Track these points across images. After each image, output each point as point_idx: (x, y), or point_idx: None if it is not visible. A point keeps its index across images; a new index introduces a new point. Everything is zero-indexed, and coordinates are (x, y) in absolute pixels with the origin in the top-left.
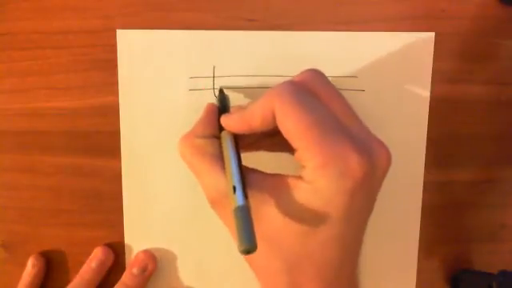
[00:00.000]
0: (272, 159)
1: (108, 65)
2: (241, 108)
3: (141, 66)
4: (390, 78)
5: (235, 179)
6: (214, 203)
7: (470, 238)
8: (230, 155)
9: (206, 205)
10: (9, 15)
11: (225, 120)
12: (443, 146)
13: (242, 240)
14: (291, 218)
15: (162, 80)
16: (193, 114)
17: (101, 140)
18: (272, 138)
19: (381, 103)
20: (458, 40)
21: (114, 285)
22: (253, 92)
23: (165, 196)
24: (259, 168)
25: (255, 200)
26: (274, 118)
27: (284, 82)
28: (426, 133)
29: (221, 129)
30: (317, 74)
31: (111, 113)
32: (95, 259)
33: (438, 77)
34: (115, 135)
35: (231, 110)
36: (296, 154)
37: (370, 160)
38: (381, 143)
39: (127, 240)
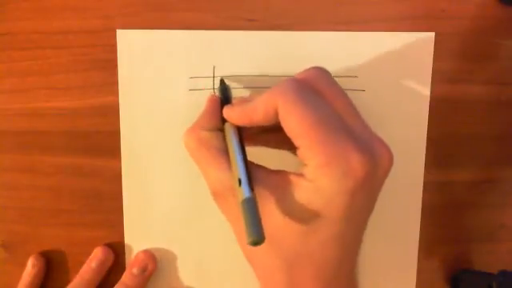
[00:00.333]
0: (274, 155)
1: (108, 65)
2: (243, 100)
3: (141, 66)
4: (390, 77)
5: (241, 172)
6: (217, 196)
7: (470, 238)
8: (235, 148)
9: (206, 205)
10: (9, 15)
11: (227, 112)
12: (443, 146)
13: (251, 232)
14: (292, 216)
15: (162, 80)
16: (193, 114)
17: (101, 140)
18: (274, 135)
19: (381, 103)
20: (458, 40)
21: (113, 285)
22: (253, 92)
23: (165, 196)
24: (262, 163)
25: (258, 196)
26: (276, 114)
27: (288, 80)
28: (425, 133)
29: (223, 120)
30: (321, 71)
31: (111, 113)
32: (95, 259)
33: (438, 77)
34: (115, 135)
35: (234, 101)
36: (298, 152)
37: (372, 160)
38: (383, 143)
39: (127, 240)
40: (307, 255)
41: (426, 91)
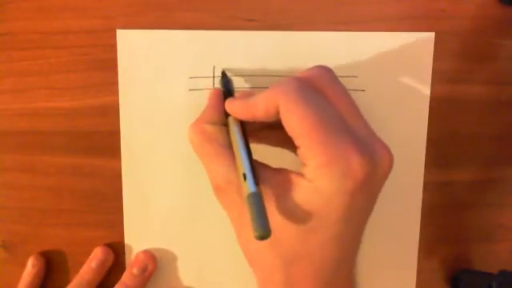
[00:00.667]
0: (275, 153)
1: (108, 65)
2: (246, 94)
3: (141, 66)
4: (390, 77)
5: (246, 166)
6: (219, 191)
7: (469, 237)
8: (239, 142)
9: (206, 205)
10: (9, 15)
11: (229, 105)
12: (443, 145)
13: (257, 226)
14: (292, 216)
15: (162, 80)
16: (193, 114)
17: (101, 140)
18: (276, 132)
19: (381, 103)
20: (458, 40)
21: (113, 285)
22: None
23: (165, 196)
24: (263, 161)
25: None
26: (276, 112)
27: (290, 78)
28: (425, 133)
29: (227, 114)
30: (325, 70)
31: (111, 113)
32: (95, 259)
33: (438, 77)
34: (115, 135)
35: (236, 94)
36: (299, 152)
37: (372, 161)
38: (384, 145)
39: (127, 240)
40: (306, 255)
41: (426, 91)
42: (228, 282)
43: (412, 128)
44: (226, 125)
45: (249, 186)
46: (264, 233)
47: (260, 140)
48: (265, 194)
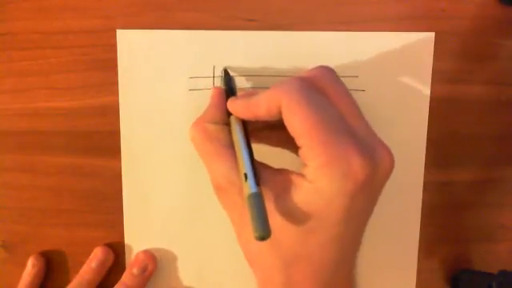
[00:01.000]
0: (276, 153)
1: (108, 65)
2: (249, 93)
3: (141, 66)
4: (390, 77)
5: (247, 166)
6: (219, 191)
7: (469, 237)
8: (241, 142)
9: (206, 204)
10: (9, 15)
11: (231, 104)
12: (443, 146)
13: (257, 227)
14: (292, 217)
15: (162, 80)
16: (193, 114)
17: (101, 140)
18: (278, 132)
19: (381, 103)
20: (458, 40)
21: (113, 285)
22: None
23: (165, 196)
24: (264, 161)
25: None
26: (278, 112)
27: (292, 78)
28: (426, 133)
29: (229, 112)
30: (327, 71)
31: (111, 113)
32: (95, 259)
33: (438, 77)
34: (115, 135)
35: (238, 93)
36: (300, 152)
37: (373, 163)
38: (385, 146)
39: (127, 240)
40: (306, 256)
41: (426, 91)
42: (228, 282)
43: (412, 128)
44: (227, 124)
45: (250, 186)
46: (264, 233)
47: (261, 140)
48: (265, 195)
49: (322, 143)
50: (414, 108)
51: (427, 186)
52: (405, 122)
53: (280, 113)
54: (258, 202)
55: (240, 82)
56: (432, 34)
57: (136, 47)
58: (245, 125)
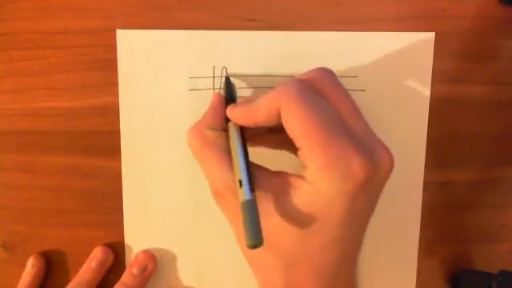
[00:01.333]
0: (276, 156)
1: (108, 65)
2: (247, 100)
3: (141, 66)
4: (390, 77)
5: (242, 173)
6: (218, 195)
7: (469, 237)
8: (238, 148)
9: (206, 205)
10: (9, 15)
11: (230, 112)
12: (443, 145)
13: (249, 235)
14: (292, 218)
15: (162, 80)
16: (193, 114)
17: (101, 140)
18: (276, 135)
19: (381, 103)
20: (458, 40)
21: (113, 285)
22: (253, 92)
23: (165, 196)
24: (263, 164)
25: (258, 198)
26: (278, 115)
27: (291, 80)
28: (426, 133)
29: (227, 118)
30: (326, 72)
31: (111, 113)
32: (95, 259)
33: (438, 77)
34: (115, 135)
35: (238, 101)
36: (299, 154)
37: (373, 164)
38: (384, 147)
39: (127, 240)
40: (306, 258)
41: (426, 91)
42: (228, 282)
43: (412, 128)
44: (225, 130)
45: (244, 194)
46: (256, 242)
47: (260, 143)
48: (264, 197)
49: (321, 145)
50: (414, 108)
51: (427, 186)
52: (405, 122)
53: (279, 116)
54: (250, 210)
55: (240, 82)
56: (432, 34)
57: (136, 47)
58: (242, 131)
